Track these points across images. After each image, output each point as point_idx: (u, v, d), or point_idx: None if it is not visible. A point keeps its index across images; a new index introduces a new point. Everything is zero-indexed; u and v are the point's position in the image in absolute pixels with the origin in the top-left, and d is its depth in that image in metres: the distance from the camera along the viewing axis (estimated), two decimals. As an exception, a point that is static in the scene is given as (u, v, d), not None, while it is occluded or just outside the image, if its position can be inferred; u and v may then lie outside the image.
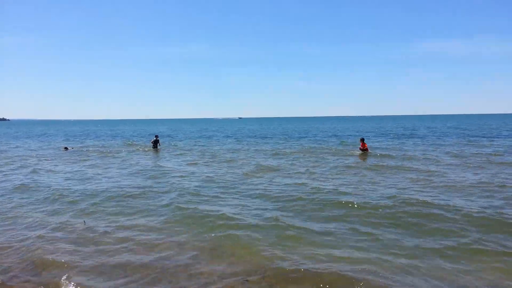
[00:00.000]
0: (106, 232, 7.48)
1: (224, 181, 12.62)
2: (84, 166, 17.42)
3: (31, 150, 26.98)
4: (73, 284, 5.31)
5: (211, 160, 19.11)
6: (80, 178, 13.93)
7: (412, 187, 11.18)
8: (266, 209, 9.00)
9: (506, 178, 12.30)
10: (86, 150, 26.06)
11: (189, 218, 8.32)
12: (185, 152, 23.85)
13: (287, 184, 11.98)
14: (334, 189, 10.94)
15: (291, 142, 31.35)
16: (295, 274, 5.41)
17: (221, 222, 7.86)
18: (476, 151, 20.98)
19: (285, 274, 5.45)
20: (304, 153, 21.85)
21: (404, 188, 11.04)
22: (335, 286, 5.10)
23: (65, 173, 15.28)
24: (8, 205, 9.94)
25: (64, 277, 5.50)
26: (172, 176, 13.84)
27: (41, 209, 9.44)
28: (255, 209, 9.02)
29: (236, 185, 11.95)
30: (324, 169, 15.11)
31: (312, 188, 11.17)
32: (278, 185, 11.88)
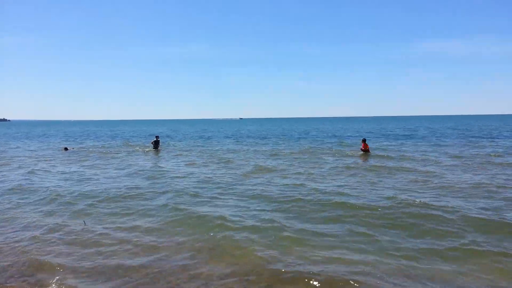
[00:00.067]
0: (103, 233, 7.44)
1: (223, 182, 12.58)
2: (82, 166, 17.39)
3: (30, 150, 26.96)
4: (65, 286, 5.27)
5: (210, 160, 19.07)
6: (78, 178, 13.89)
7: (411, 188, 11.14)
8: (264, 210, 8.96)
9: (506, 179, 12.26)
10: (86, 150, 26.03)
11: (187, 219, 8.28)
12: (184, 152, 23.82)
13: (286, 184, 11.94)
14: (332, 190, 10.89)
15: (290, 143, 31.32)
16: (292, 275, 5.38)
17: (219, 223, 7.82)
18: (476, 151, 20.94)
19: (283, 275, 5.42)
20: (303, 153, 21.82)
21: (403, 189, 11.00)
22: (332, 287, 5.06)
23: (63, 173, 15.24)
24: (5, 205, 9.90)
25: (58, 279, 5.47)
26: (171, 177, 13.81)
27: (38, 210, 9.40)
28: (253, 210, 8.98)
29: (235, 186, 11.91)
30: (322, 170, 15.07)
31: (310, 189, 11.13)
32: (277, 185, 11.84)
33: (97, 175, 14.69)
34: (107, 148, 28.32)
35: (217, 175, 14.19)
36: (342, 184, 12.00)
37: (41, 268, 5.85)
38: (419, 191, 10.74)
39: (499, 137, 33.80)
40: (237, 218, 8.16)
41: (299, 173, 14.30)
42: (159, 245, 6.77)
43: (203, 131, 61.40)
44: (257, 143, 32.15)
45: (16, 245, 6.90)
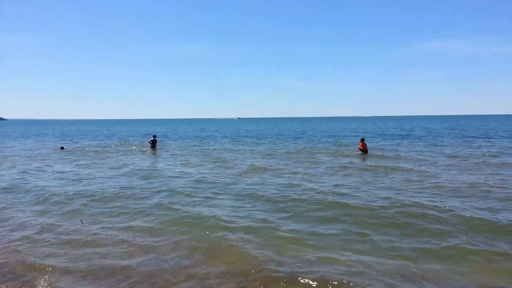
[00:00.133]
0: (97, 233, 7.38)
1: (218, 182, 12.53)
2: (77, 166, 17.28)
3: (25, 149, 26.79)
4: (57, 286, 5.21)
5: (206, 160, 19.01)
6: (73, 178, 13.80)
7: (407, 188, 11.13)
8: (259, 209, 8.93)
9: (502, 179, 12.28)
10: (82, 149, 25.90)
11: (182, 218, 8.23)
12: (180, 152, 23.74)
13: (281, 184, 11.90)
14: (328, 190, 10.87)
15: (287, 143, 31.30)
16: (287, 275, 5.35)
17: (214, 223, 7.78)
18: (472, 151, 20.99)
19: (278, 275, 5.38)
20: (299, 153, 21.80)
21: (399, 189, 10.99)
22: (326, 288, 5.02)
23: (57, 173, 15.14)
24: (-2, 205, 9.80)
25: (50, 279, 5.40)
26: (166, 176, 13.74)
27: (32, 209, 9.31)
28: (249, 209, 8.95)
29: (230, 186, 11.86)
30: (318, 170, 15.05)
31: (306, 188, 11.10)
32: (272, 185, 11.80)
33: (92, 174, 14.60)
34: (104, 147, 28.18)
35: (212, 174, 14.14)
36: (338, 183, 11.97)
37: (33, 268, 5.79)
38: (414, 191, 10.73)
39: (495, 137, 33.93)
40: (233, 218, 8.12)
41: (295, 173, 14.27)
42: (154, 244, 6.72)
43: (201, 131, 61.29)
44: (254, 142, 32.11)
45: (8, 244, 6.83)
